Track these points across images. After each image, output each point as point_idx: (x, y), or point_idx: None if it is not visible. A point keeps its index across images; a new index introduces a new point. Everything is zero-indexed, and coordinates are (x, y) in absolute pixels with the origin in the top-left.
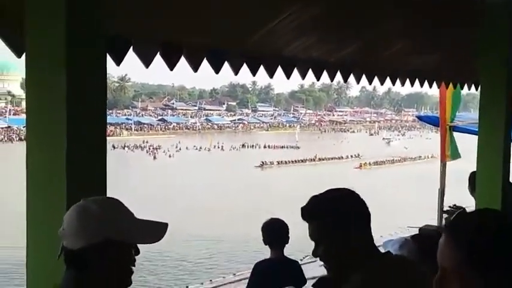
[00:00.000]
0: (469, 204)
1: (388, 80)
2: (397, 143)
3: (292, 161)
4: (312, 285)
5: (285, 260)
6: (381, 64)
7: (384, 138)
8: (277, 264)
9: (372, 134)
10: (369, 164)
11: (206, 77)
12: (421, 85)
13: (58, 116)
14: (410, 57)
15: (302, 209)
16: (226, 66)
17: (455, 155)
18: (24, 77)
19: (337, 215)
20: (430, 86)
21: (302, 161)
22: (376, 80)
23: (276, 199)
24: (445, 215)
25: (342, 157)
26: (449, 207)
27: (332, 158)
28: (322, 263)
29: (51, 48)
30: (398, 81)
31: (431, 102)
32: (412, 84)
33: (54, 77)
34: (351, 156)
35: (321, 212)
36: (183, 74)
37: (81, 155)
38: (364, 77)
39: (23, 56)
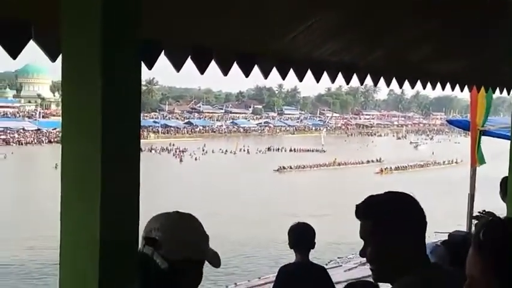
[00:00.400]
0: (498, 209)
1: (418, 84)
2: (425, 147)
3: (310, 166)
4: None
5: (310, 265)
6: (411, 67)
7: (411, 142)
8: (302, 269)
9: (399, 138)
10: (390, 169)
11: (233, 81)
12: (452, 89)
13: (93, 118)
14: (441, 61)
15: (357, 206)
16: (255, 69)
17: (481, 160)
18: (53, 80)
19: (391, 217)
20: (462, 90)
21: (321, 165)
22: (406, 84)
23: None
24: (474, 221)
25: (363, 162)
26: (479, 213)
27: (354, 163)
28: (350, 267)
29: (87, 51)
30: (429, 85)
31: (460, 106)
32: (443, 87)
33: (89, 80)
34: (373, 160)
35: (374, 211)
36: (209, 78)
37: (116, 156)
38: (394, 80)
39: (56, 60)
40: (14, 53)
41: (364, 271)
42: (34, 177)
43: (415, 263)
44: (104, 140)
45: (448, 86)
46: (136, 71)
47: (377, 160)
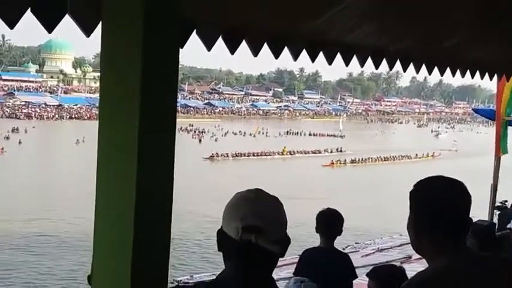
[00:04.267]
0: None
1: (448, 71)
2: (446, 135)
3: (255, 154)
4: (366, 275)
5: (334, 251)
6: (442, 54)
7: (432, 131)
8: (325, 254)
9: (420, 126)
10: (345, 161)
11: (254, 63)
12: (482, 77)
13: (132, 96)
14: (472, 48)
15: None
16: (285, 51)
17: (505, 150)
18: (76, 56)
19: (421, 205)
20: (491, 78)
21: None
22: (436, 71)
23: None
24: (496, 211)
25: (319, 151)
26: (500, 203)
27: (307, 152)
28: (367, 252)
29: (127, 31)
30: (458, 72)
31: (484, 96)
32: (473, 75)
33: (129, 58)
34: (332, 150)
35: (411, 200)
36: (230, 59)
37: (152, 136)
38: (424, 67)
39: (90, 35)
40: (50, 27)
41: (382, 257)
42: (57, 152)
43: (446, 249)
44: (141, 116)
45: (477, 74)
46: (174, 50)
47: (338, 150)
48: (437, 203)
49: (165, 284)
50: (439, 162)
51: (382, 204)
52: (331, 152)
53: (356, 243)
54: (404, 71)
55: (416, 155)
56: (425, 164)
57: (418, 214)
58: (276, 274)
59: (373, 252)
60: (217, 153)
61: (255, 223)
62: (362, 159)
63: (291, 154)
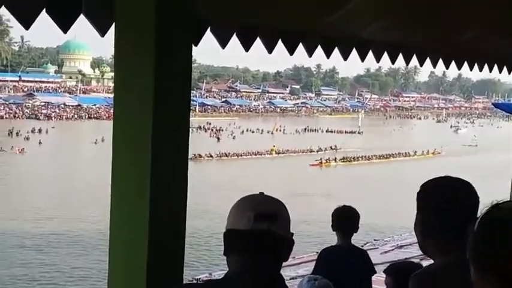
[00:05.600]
0: None
1: (465, 65)
2: (466, 131)
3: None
4: (384, 271)
5: (352, 248)
6: (459, 48)
7: (451, 126)
8: (343, 251)
9: (439, 121)
10: (335, 160)
11: (270, 60)
12: (500, 71)
13: (145, 95)
14: (490, 41)
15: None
16: (300, 48)
17: None
18: (94, 57)
19: (429, 205)
20: (509, 72)
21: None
22: (453, 65)
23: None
24: None
25: (313, 150)
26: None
27: (300, 151)
28: (386, 249)
29: (140, 26)
30: (476, 67)
31: (504, 90)
32: (491, 69)
33: (142, 54)
34: (325, 148)
35: (418, 200)
36: (247, 57)
37: (166, 134)
38: (441, 61)
39: (105, 35)
40: (65, 27)
41: (400, 254)
42: (76, 152)
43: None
44: (155, 116)
45: (495, 67)
46: (188, 49)
47: (332, 148)
48: (445, 204)
49: (180, 281)
50: (441, 160)
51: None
52: (324, 150)
53: (375, 240)
54: (421, 65)
55: (415, 152)
56: (428, 162)
57: (426, 215)
58: (294, 272)
59: (392, 249)
60: (199, 154)
61: (268, 211)
62: (354, 157)
63: (280, 153)
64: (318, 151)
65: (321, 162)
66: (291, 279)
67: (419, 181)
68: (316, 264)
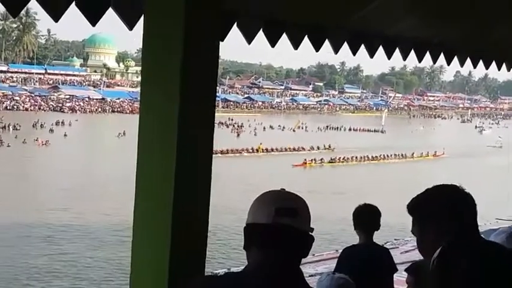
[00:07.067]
0: None
1: (493, 65)
2: (490, 131)
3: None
4: (405, 270)
5: (374, 246)
6: (487, 47)
7: (476, 126)
8: (365, 250)
9: (463, 121)
10: (321, 161)
11: (294, 57)
12: None
13: (172, 87)
14: None
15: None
16: (326, 44)
17: None
18: (118, 51)
19: (421, 211)
20: None
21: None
22: (480, 64)
23: None
24: None
25: (303, 148)
26: None
27: (289, 149)
28: (407, 249)
29: (168, 20)
30: (504, 67)
31: None
32: None
33: (170, 47)
34: (310, 148)
35: (409, 208)
36: (270, 53)
37: (192, 128)
38: (468, 60)
39: (133, 29)
40: (93, 20)
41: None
42: (99, 145)
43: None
44: (181, 109)
45: None
46: (215, 44)
47: (327, 147)
48: (445, 211)
49: (202, 274)
50: (437, 162)
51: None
52: (318, 148)
53: (395, 239)
54: (449, 64)
55: (413, 154)
56: (422, 164)
57: (425, 222)
58: (313, 269)
59: (413, 249)
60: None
61: (289, 206)
62: (343, 158)
63: (266, 151)
64: (315, 149)
65: (305, 163)
66: (309, 276)
67: (398, 185)
68: (338, 263)
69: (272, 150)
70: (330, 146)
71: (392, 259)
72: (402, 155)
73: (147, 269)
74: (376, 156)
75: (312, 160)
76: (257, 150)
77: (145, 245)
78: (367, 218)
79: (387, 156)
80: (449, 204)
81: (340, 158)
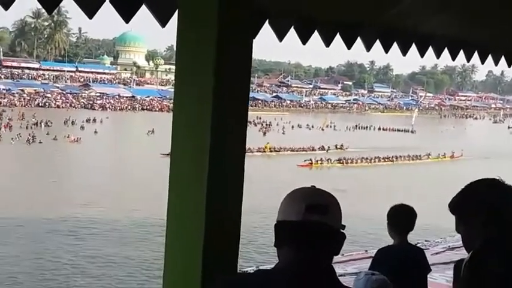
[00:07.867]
0: None
1: None
2: None
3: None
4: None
5: (408, 247)
6: None
7: (509, 127)
8: (400, 250)
9: (495, 122)
10: (328, 161)
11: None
12: None
13: (205, 85)
14: None
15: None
16: (358, 42)
17: None
18: (148, 49)
19: (461, 208)
20: None
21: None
22: None
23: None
24: None
25: (314, 148)
26: None
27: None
28: (437, 251)
29: (202, 19)
30: None
31: None
32: None
33: (204, 45)
34: (320, 148)
35: (450, 207)
36: (299, 51)
37: (225, 129)
38: (503, 59)
39: (165, 26)
40: (127, 16)
41: (452, 256)
42: (129, 142)
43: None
44: (214, 108)
45: None
46: (248, 42)
47: (339, 147)
48: (482, 208)
49: (234, 272)
50: (454, 165)
51: None
52: (328, 149)
53: (426, 240)
54: (482, 63)
55: (429, 155)
56: (437, 166)
57: (466, 221)
58: (342, 269)
59: (444, 251)
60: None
61: (319, 202)
62: (351, 160)
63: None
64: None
65: (311, 163)
66: (339, 276)
67: (401, 188)
68: (372, 263)
69: (280, 149)
70: (342, 146)
71: (427, 259)
72: (416, 156)
73: (181, 269)
74: (388, 157)
75: (318, 161)
76: (264, 150)
77: (178, 244)
78: (400, 219)
79: (399, 157)
80: (487, 202)
81: (347, 159)
